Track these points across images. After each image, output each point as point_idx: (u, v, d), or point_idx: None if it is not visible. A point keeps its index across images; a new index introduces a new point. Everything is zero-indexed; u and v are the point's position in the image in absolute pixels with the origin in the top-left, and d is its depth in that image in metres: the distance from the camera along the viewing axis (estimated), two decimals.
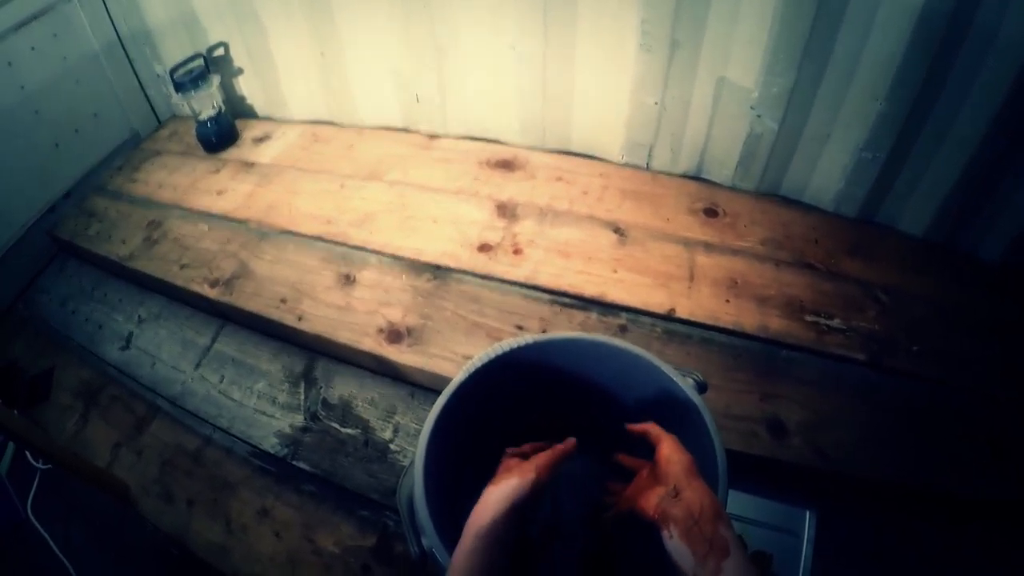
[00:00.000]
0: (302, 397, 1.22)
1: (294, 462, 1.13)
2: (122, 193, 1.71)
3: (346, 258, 1.35)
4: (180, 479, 1.15)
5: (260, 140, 1.79)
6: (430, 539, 0.59)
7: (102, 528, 1.21)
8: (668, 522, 0.52)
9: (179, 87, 1.65)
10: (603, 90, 1.37)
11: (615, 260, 1.24)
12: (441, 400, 0.69)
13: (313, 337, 1.22)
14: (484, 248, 1.31)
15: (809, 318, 1.10)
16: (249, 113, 1.92)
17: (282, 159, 1.69)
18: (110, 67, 1.82)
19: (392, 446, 1.11)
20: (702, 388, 0.70)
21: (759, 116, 1.24)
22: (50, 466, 1.27)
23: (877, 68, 1.06)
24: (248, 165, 1.70)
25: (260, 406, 1.22)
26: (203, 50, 1.71)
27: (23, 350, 1.50)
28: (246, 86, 1.86)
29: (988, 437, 0.93)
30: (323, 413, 1.18)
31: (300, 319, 1.23)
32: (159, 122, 2.02)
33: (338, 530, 1.03)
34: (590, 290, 1.19)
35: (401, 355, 1.13)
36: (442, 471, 0.67)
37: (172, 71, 1.64)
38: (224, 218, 1.52)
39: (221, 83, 1.75)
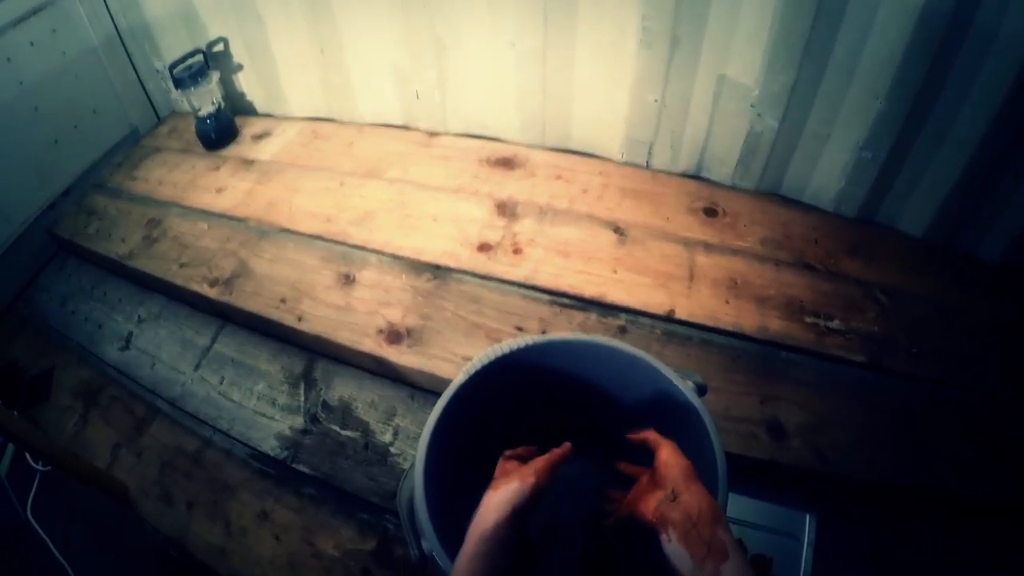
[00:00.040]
0: (302, 399, 1.22)
1: (294, 465, 1.13)
2: (122, 190, 1.71)
3: (346, 257, 1.35)
4: (180, 481, 1.15)
5: (260, 137, 1.79)
6: (430, 542, 0.59)
7: (102, 530, 1.21)
8: (666, 525, 0.52)
9: (178, 83, 1.64)
10: (603, 87, 1.37)
11: (615, 260, 1.24)
12: (441, 402, 0.69)
13: (313, 338, 1.22)
14: (484, 247, 1.31)
15: (809, 319, 1.10)
16: (249, 110, 1.91)
17: (282, 156, 1.69)
18: (109, 63, 1.81)
19: (392, 449, 1.11)
20: (702, 391, 0.70)
21: (759, 114, 1.23)
22: (50, 468, 1.27)
23: (877, 67, 1.06)
24: (248, 162, 1.69)
25: (260, 408, 1.22)
26: (203, 46, 1.70)
27: (23, 350, 1.50)
28: (246, 82, 1.85)
29: (988, 437, 0.93)
30: (323, 415, 1.18)
31: (300, 319, 1.23)
32: (158, 118, 2.01)
33: (338, 533, 1.03)
34: (590, 290, 1.19)
35: (401, 356, 1.13)
36: (442, 473, 0.67)
37: (171, 67, 1.63)
38: (224, 216, 1.52)
39: (220, 79, 1.75)
